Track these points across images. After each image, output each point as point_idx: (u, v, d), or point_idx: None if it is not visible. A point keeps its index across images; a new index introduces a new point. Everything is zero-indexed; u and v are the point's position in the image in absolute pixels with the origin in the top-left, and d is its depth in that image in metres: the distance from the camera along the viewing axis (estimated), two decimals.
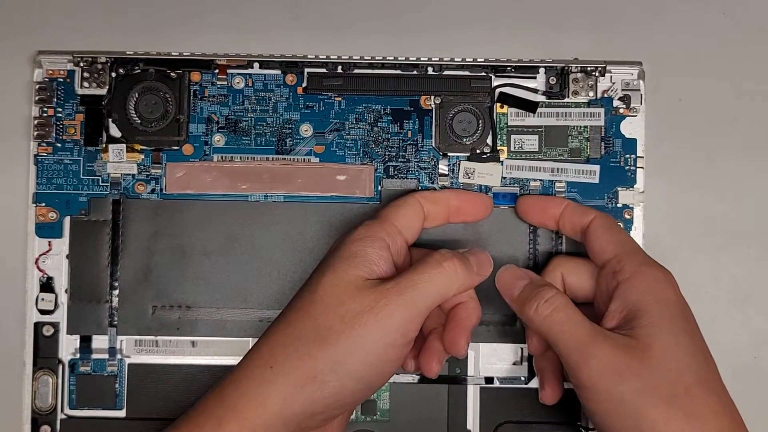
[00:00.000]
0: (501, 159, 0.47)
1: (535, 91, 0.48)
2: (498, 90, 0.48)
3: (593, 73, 0.47)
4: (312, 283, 0.41)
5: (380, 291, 0.39)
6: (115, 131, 0.47)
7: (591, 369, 0.39)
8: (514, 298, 0.42)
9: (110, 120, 0.47)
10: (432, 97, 0.48)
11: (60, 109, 0.47)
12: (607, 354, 0.39)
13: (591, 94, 0.47)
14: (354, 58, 0.47)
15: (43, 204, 0.47)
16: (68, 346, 0.47)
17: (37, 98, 0.47)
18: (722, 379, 0.41)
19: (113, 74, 0.47)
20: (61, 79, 0.47)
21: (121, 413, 0.47)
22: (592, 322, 0.40)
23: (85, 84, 0.47)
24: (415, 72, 0.48)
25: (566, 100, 0.48)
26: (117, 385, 0.47)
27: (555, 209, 0.45)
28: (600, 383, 0.39)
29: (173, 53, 0.47)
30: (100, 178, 0.47)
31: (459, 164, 0.47)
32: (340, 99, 0.48)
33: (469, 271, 0.41)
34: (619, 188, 0.47)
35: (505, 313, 0.47)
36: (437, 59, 0.47)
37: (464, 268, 0.41)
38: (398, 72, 0.48)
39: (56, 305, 0.47)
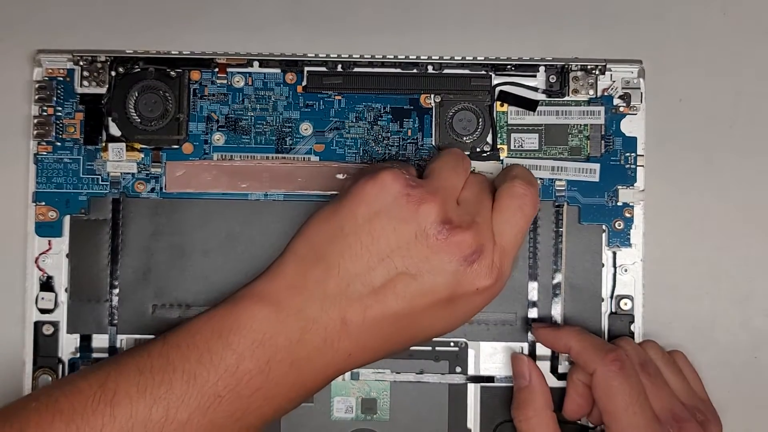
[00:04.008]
0: (501, 157, 0.47)
1: (535, 89, 0.48)
2: (498, 88, 0.48)
3: (593, 72, 0.47)
4: None
5: None
6: (114, 130, 0.47)
7: None
8: (514, 390, 0.45)
9: (110, 119, 0.47)
10: (432, 96, 0.48)
11: (60, 108, 0.47)
12: None
13: (591, 92, 0.47)
14: (354, 56, 0.47)
15: (43, 203, 0.47)
16: (68, 345, 0.47)
17: (36, 97, 0.47)
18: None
19: (113, 73, 0.47)
20: (61, 78, 0.47)
21: None
22: None
23: (85, 83, 0.47)
24: (415, 70, 0.48)
25: (566, 98, 0.48)
26: None
27: (562, 349, 0.45)
28: None
29: (173, 52, 0.47)
30: (99, 177, 0.47)
31: None
32: (340, 97, 0.48)
33: None
34: (619, 186, 0.47)
35: (505, 312, 0.47)
36: (437, 58, 0.47)
37: None
38: (398, 71, 0.48)
39: (56, 304, 0.47)
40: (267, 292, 0.40)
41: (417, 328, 0.41)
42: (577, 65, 0.47)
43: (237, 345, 0.39)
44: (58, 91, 0.47)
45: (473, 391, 0.47)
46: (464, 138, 0.48)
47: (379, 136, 0.48)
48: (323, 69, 0.48)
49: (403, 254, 0.39)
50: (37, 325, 0.47)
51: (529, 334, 0.47)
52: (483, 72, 0.48)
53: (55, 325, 0.47)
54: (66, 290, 0.47)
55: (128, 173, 0.47)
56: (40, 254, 0.47)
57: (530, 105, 0.48)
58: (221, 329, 0.39)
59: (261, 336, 0.39)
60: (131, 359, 0.39)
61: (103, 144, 0.47)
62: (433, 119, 0.48)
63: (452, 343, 0.47)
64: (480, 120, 0.48)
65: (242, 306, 0.40)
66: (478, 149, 0.47)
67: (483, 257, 0.40)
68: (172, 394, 0.38)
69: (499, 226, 0.42)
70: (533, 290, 0.47)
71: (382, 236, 0.40)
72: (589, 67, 0.47)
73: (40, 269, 0.47)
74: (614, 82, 0.48)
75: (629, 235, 0.47)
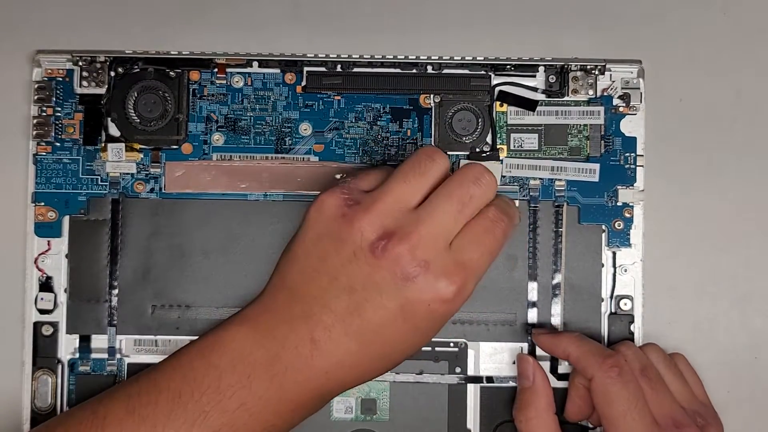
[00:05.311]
0: (501, 157, 0.47)
1: (534, 89, 0.48)
2: (497, 88, 0.48)
3: (593, 72, 0.47)
4: None
5: None
6: (114, 130, 0.47)
7: None
8: (517, 391, 0.46)
9: (109, 119, 0.47)
10: (431, 96, 0.48)
11: (59, 109, 0.47)
12: None
13: (591, 92, 0.47)
14: (353, 56, 0.47)
15: (43, 203, 0.47)
16: (67, 345, 0.47)
17: (36, 97, 0.47)
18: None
19: (112, 73, 0.47)
20: (60, 79, 0.47)
21: None
22: None
23: (84, 83, 0.47)
24: (414, 71, 0.47)
25: (566, 98, 0.48)
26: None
27: (561, 355, 0.45)
28: None
29: (172, 52, 0.47)
30: (99, 177, 0.47)
31: (459, 163, 0.47)
32: (339, 98, 0.48)
33: None
34: (618, 186, 0.47)
35: (505, 313, 0.47)
36: (437, 58, 0.47)
37: None
38: (397, 71, 0.48)
39: (55, 305, 0.47)
40: (247, 315, 0.42)
41: (384, 344, 0.40)
42: (576, 65, 0.47)
43: (218, 361, 0.40)
44: (58, 92, 0.47)
45: (473, 391, 0.47)
46: (464, 138, 0.47)
47: (379, 137, 0.48)
48: (323, 69, 0.47)
49: (348, 273, 0.40)
50: (37, 326, 0.47)
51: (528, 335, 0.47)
52: (482, 72, 0.48)
53: (54, 325, 0.47)
54: (65, 291, 0.47)
55: (127, 173, 0.47)
56: (40, 254, 0.47)
57: (530, 105, 0.47)
58: (204, 349, 0.41)
59: (240, 353, 0.40)
60: (122, 387, 0.41)
61: (103, 144, 0.47)
62: (433, 119, 0.48)
63: (452, 344, 0.47)
64: (479, 120, 0.48)
65: (224, 328, 0.41)
66: (477, 149, 0.47)
67: (428, 271, 0.39)
68: (158, 412, 0.39)
69: (463, 243, 0.40)
70: (533, 290, 0.47)
71: (328, 258, 0.40)
72: (588, 67, 0.47)
73: (40, 270, 0.47)
74: (614, 82, 0.47)
75: (629, 235, 0.47)
